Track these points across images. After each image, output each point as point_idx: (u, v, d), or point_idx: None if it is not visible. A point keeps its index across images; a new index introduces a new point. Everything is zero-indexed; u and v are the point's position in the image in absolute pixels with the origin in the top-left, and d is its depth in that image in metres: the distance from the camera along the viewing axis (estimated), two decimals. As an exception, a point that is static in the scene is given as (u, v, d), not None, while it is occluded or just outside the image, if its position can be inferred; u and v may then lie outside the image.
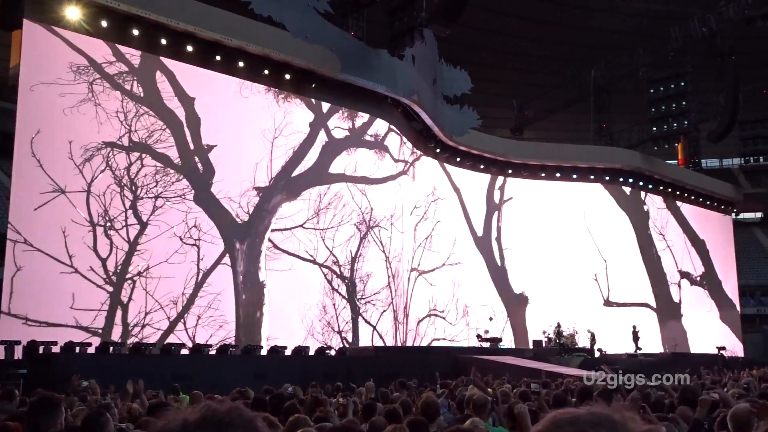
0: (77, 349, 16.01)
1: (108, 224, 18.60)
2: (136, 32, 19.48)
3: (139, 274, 18.90)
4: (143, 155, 19.58)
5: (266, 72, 22.11)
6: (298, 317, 21.84)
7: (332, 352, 21.38)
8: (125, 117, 19.32)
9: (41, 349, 15.69)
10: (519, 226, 32.23)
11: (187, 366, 16.55)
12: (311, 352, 20.24)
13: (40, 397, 4.32)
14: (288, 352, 19.60)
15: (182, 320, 19.54)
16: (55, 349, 15.85)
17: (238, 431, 1.32)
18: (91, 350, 16.44)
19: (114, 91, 19.20)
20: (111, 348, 16.66)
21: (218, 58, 21.01)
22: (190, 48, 20.42)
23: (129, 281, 18.76)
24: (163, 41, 20.00)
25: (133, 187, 19.25)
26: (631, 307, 33.52)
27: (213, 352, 18.64)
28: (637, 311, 33.57)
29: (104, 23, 18.89)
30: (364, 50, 23.75)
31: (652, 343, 31.97)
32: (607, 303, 33.41)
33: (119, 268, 18.63)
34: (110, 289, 18.38)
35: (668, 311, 35.41)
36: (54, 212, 17.61)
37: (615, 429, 1.29)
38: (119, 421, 5.56)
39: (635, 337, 29.61)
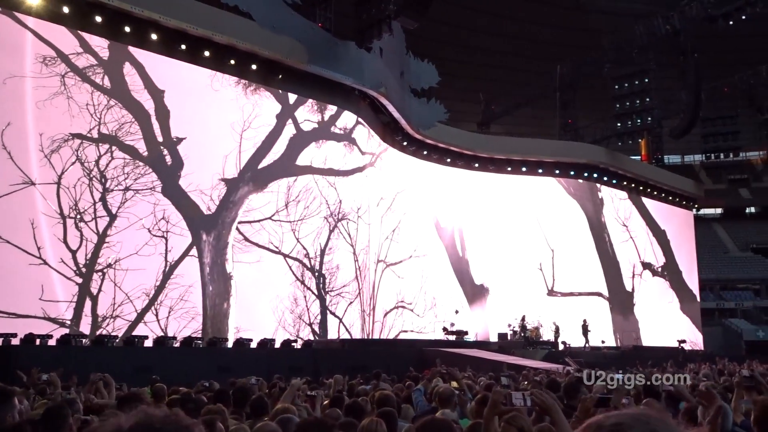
0: (37, 342, 15.69)
1: (78, 216, 18.35)
2: (99, 19, 19.08)
3: (109, 266, 18.70)
4: (113, 147, 19.35)
5: (232, 62, 21.82)
6: (268, 309, 21.75)
7: (298, 345, 21.24)
8: (95, 109, 19.08)
9: (0, 341, 15.36)
10: (479, 218, 32.39)
11: (151, 358, 16.34)
12: (277, 345, 20.10)
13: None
14: (254, 345, 19.45)
15: (154, 312, 19.35)
16: (15, 341, 15.51)
17: None
18: (51, 342, 16.14)
19: (84, 84, 18.94)
20: (73, 340, 16.36)
21: (183, 47, 20.69)
22: (154, 36, 20.06)
23: (99, 273, 18.54)
24: (127, 29, 19.61)
25: (103, 179, 19.02)
26: (582, 297, 33.66)
27: (177, 344, 18.43)
28: (595, 303, 33.90)
29: (65, 9, 18.47)
30: (331, 42, 23.61)
31: (605, 334, 32.36)
32: (551, 293, 33.53)
33: (89, 260, 18.41)
34: (80, 280, 18.15)
35: (622, 301, 35.75)
36: (22, 204, 17.32)
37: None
38: (84, 413, 5.43)
39: (585, 331, 29.84)
